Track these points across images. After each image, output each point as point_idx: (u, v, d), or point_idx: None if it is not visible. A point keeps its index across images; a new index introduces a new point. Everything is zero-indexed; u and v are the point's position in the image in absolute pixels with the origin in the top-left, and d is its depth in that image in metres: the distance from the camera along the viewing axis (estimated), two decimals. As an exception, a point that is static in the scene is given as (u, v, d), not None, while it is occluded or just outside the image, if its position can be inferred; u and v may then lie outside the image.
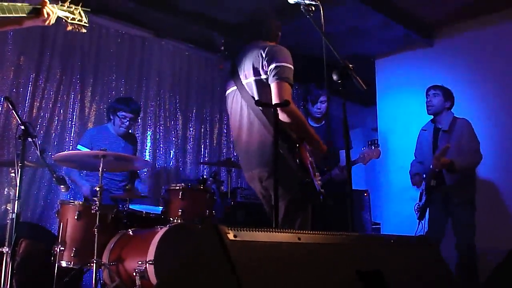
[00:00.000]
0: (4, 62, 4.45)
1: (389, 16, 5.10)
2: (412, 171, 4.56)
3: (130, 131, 4.62)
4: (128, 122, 4.36)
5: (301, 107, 4.50)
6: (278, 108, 2.53)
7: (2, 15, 2.19)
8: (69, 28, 2.52)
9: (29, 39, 4.60)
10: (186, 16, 5.13)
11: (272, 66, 2.75)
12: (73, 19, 2.48)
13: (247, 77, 2.87)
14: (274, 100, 2.70)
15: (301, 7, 2.64)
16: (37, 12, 2.31)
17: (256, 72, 2.82)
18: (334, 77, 2.43)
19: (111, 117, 4.39)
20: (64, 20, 2.46)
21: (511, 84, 5.05)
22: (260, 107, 2.80)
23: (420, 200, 4.30)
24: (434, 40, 5.71)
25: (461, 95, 4.68)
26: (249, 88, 2.86)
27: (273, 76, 2.73)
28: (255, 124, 2.85)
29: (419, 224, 4.21)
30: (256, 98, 2.81)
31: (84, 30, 2.56)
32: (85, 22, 2.53)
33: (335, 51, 2.48)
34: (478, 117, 4.79)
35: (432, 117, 4.43)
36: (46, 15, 2.33)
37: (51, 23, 2.39)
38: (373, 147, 4.11)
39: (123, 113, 4.32)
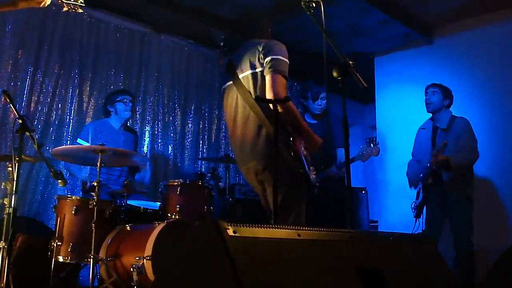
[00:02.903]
0: (2, 56, 4.42)
1: (389, 13, 5.10)
2: (409, 172, 4.54)
3: (128, 124, 4.61)
4: (130, 104, 4.40)
5: (299, 104, 4.48)
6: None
7: None
8: (65, 8, 2.45)
9: (27, 33, 4.58)
10: (186, 12, 5.11)
11: (268, 58, 2.78)
12: None
13: (243, 71, 2.89)
14: (268, 91, 2.71)
15: (302, 3, 2.64)
16: None
17: (252, 66, 2.85)
18: (334, 74, 2.42)
19: (111, 108, 4.37)
20: (60, 1, 2.40)
21: (509, 83, 5.05)
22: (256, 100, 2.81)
23: (417, 198, 4.30)
24: (434, 38, 5.71)
25: (460, 93, 4.68)
26: (245, 82, 2.88)
27: (269, 68, 2.76)
28: (250, 117, 2.86)
29: (416, 222, 4.22)
30: (252, 91, 2.83)
31: (80, 10, 2.50)
32: (81, 2, 2.46)
33: (336, 48, 2.47)
34: (476, 115, 4.79)
35: (430, 115, 4.43)
36: None
37: (46, 4, 2.34)
38: (372, 145, 4.11)
39: (122, 96, 4.36)
